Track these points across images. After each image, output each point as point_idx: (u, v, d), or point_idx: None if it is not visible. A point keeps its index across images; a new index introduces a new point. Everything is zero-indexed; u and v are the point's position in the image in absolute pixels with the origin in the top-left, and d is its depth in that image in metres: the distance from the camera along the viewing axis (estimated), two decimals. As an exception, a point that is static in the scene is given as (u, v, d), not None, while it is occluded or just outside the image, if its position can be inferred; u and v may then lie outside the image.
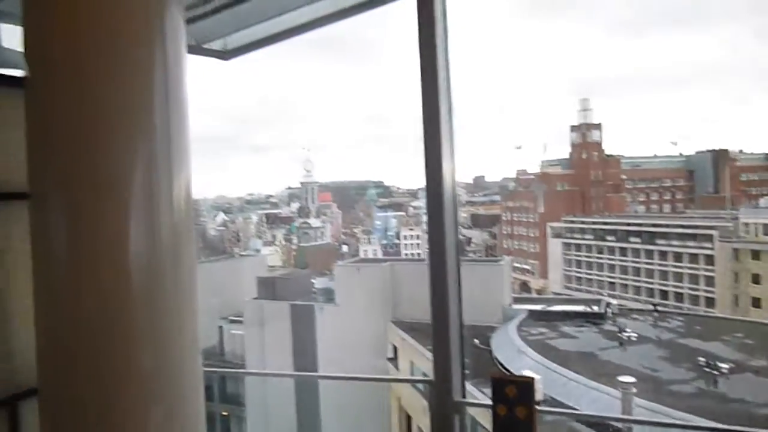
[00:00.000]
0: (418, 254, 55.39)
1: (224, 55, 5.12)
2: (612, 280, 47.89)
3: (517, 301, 23.50)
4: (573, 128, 57.23)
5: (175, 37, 2.17)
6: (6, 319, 2.41)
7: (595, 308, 22.99)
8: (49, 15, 2.01)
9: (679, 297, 42.64)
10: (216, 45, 5.02)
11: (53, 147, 2.02)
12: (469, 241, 54.64)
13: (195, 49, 4.84)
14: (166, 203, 2.11)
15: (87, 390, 1.97)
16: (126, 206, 2.03)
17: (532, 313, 21.78)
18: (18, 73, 2.18)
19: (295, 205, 71.30)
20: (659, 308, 25.04)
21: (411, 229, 59.61)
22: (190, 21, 4.36)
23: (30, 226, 2.07)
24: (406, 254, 57.22)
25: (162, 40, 2.13)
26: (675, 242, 43.36)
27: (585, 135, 56.82)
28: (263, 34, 4.78)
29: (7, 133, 2.38)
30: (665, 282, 44.22)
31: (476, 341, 17.67)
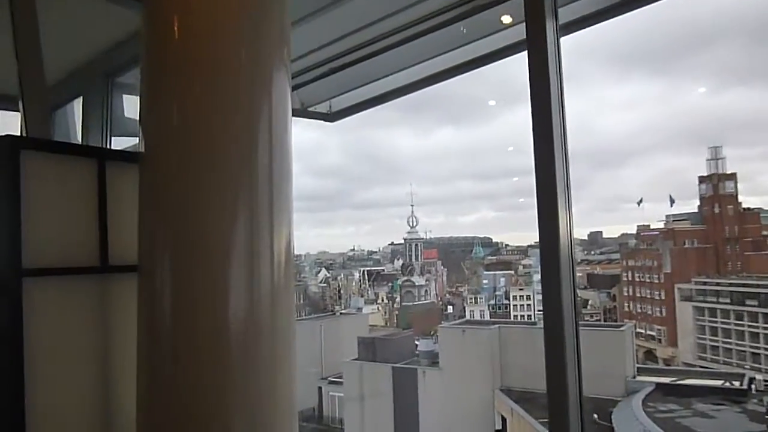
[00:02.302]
0: (529, 317, 53.41)
1: (329, 116, 5.35)
2: (755, 350, 43.52)
3: (641, 372, 21.91)
4: (702, 179, 53.95)
5: (281, 101, 2.27)
6: (112, 382, 2.51)
7: (736, 383, 20.91)
8: (165, 84, 2.16)
9: (841, 373, 37.78)
10: (321, 108, 5.27)
11: (161, 213, 2.14)
12: (585, 303, 52.13)
13: (302, 112, 5.10)
14: (265, 259, 2.15)
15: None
16: (227, 264, 2.09)
17: (659, 386, 20.17)
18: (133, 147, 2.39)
19: (398, 263, 71.87)
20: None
21: (521, 289, 57.82)
22: (297, 87, 4.62)
23: (137, 294, 2.18)
24: (516, 316, 55.43)
25: (269, 105, 2.23)
26: (833, 309, 38.80)
27: (717, 186, 53.28)
28: (366, 96, 4.95)
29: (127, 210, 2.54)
30: (823, 355, 39.46)
31: (596, 416, 16.59)
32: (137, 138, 2.27)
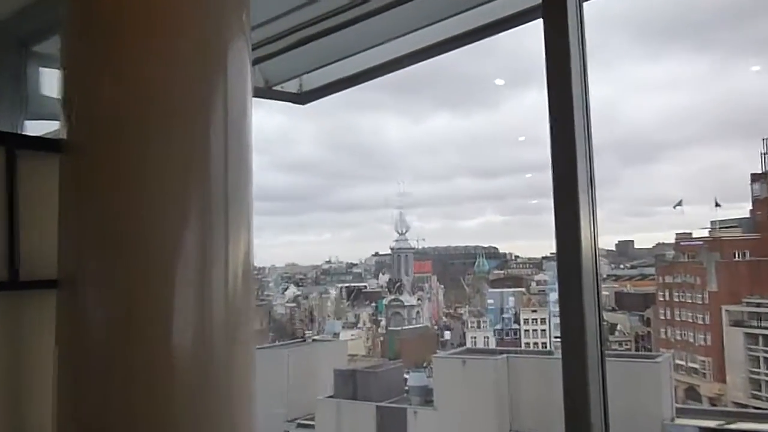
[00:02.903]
0: (544, 345, 53.55)
1: (299, 97, 5.34)
2: (821, 388, 44.00)
3: (681, 413, 22.07)
4: (755, 177, 54.45)
5: (239, 78, 2.28)
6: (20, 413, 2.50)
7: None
8: (93, 54, 2.15)
9: None
10: (290, 86, 5.26)
11: (88, 214, 2.13)
12: (612, 328, 52.50)
13: (265, 91, 5.08)
14: (219, 272, 2.16)
15: None
16: (170, 278, 2.09)
17: (704, 431, 20.32)
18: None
19: (384, 278, 71.93)
20: None
21: (534, 311, 58.06)
22: (259, 60, 4.60)
23: (57, 312, 2.17)
24: (528, 344, 55.60)
25: (223, 81, 2.24)
26: None
27: (774, 186, 53.90)
28: (345, 73, 4.95)
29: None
30: None
31: (625, 467, 16.63)
32: (58, 121, 2.26)
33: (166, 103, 2.13)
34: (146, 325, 2.05)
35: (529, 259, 72.10)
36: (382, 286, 71.33)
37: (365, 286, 75.19)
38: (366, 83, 5.06)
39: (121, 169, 2.10)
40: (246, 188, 2.31)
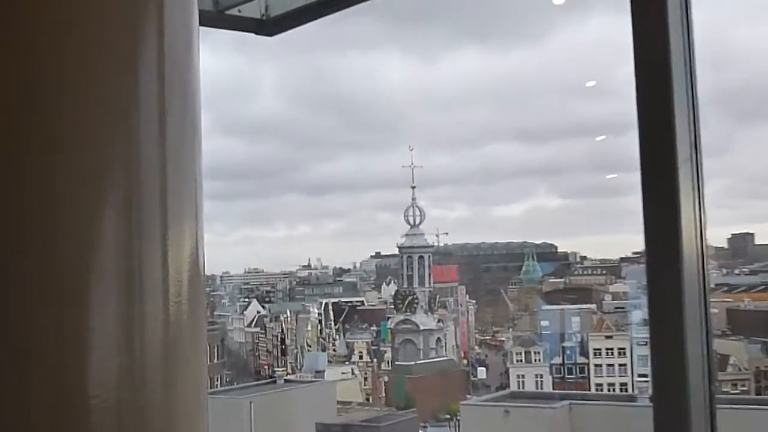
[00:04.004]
0: (623, 386, 53.43)
1: (263, 26, 5.34)
2: None
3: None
4: None
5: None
6: None
7: None
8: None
9: None
10: (249, 10, 5.27)
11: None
12: (725, 361, 52.44)
13: (215, 16, 5.09)
14: (153, 284, 2.18)
15: None
16: (81, 294, 2.09)
17: None
18: None
19: (389, 289, 71.83)
20: None
21: (608, 337, 57.91)
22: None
23: None
24: (600, 386, 55.55)
25: (157, 4, 2.26)
26: None
27: None
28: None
29: None
30: None
31: None
32: None
33: (70, 44, 2.13)
34: (46, 368, 2.06)
35: (602, 261, 71.58)
36: (386, 302, 71.03)
37: (361, 302, 74.90)
38: (357, 5, 5.07)
39: (6, 144, 2.10)
40: (192, 162, 2.33)
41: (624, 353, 56.74)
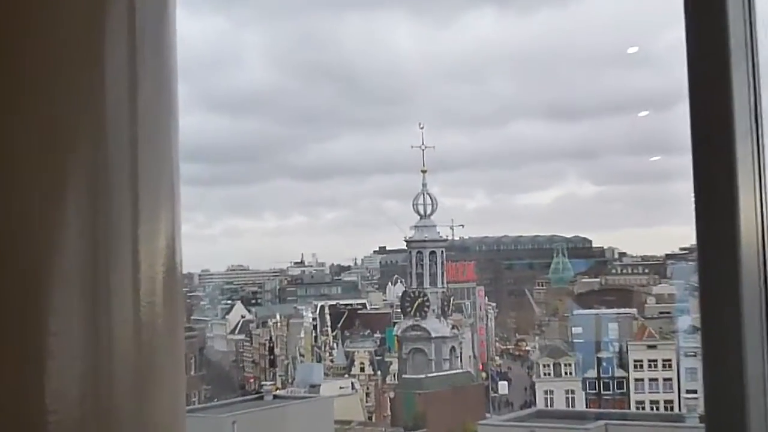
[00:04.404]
0: (669, 404, 53.42)
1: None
2: None
3: None
4: None
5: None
6: None
7: None
8: None
9: None
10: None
11: None
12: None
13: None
14: (120, 284, 2.18)
15: None
16: (39, 298, 2.08)
17: None
18: None
19: (395, 290, 71.94)
20: None
21: (652, 347, 57.92)
22: None
23: None
24: (642, 403, 55.62)
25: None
26: None
27: None
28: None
29: None
30: None
31: None
32: None
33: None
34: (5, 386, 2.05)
35: (644, 258, 71.39)
36: (392, 305, 71.15)
37: (363, 305, 75.03)
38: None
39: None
40: (167, 141, 2.33)
41: (669, 365, 56.75)
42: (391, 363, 66.19)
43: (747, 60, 2.84)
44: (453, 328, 66.52)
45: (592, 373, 59.63)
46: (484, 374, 66.25)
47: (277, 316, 73.36)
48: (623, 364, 59.17)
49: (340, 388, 60.34)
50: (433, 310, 65.92)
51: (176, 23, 2.38)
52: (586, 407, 50.74)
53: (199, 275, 75.75)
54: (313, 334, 70.98)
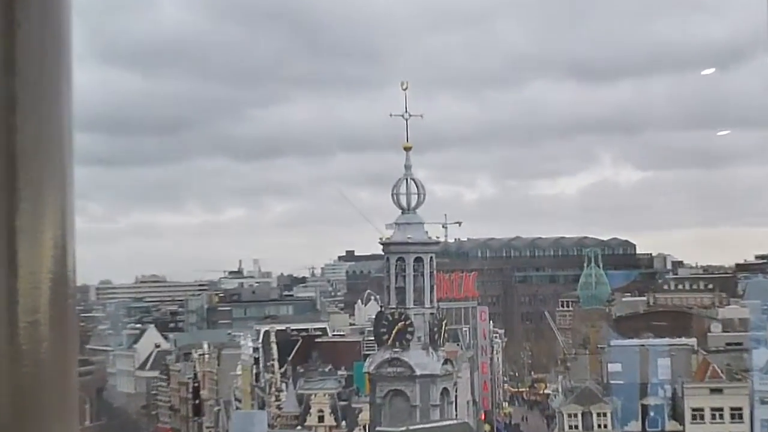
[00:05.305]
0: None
1: None
2: None
3: None
4: None
5: None
6: None
7: None
8: None
9: None
10: None
11: None
12: None
13: None
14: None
15: None
16: None
17: None
18: None
19: (366, 310, 71.88)
20: None
21: (716, 390, 58.21)
22: None
23: None
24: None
25: None
26: None
27: None
28: None
29: None
30: None
31: None
32: None
33: None
34: None
35: (706, 269, 71.61)
36: (363, 331, 71.05)
37: (323, 331, 74.93)
38: None
39: None
40: (55, 105, 2.33)
41: (740, 416, 57.24)
42: (360, 410, 66.27)
43: None
44: (446, 363, 66.53)
45: (635, 426, 60.07)
46: (487, 426, 66.83)
47: (205, 346, 73.60)
48: (677, 415, 59.58)
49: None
50: (419, 339, 65.75)
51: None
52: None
53: (98, 288, 75.60)
54: (254, 371, 71.11)
